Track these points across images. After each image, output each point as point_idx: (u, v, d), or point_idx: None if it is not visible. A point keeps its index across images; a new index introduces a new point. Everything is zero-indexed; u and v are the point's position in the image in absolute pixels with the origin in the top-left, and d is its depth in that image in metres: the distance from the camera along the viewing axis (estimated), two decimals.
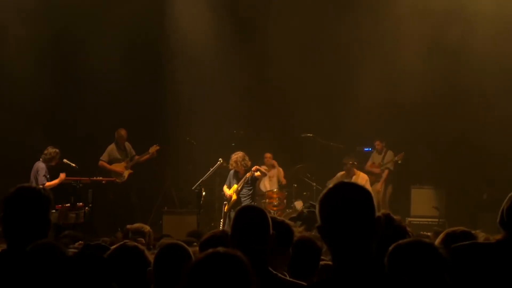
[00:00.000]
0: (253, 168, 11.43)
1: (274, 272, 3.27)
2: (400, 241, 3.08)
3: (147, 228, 6.79)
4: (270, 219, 3.35)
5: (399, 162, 12.77)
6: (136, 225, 6.99)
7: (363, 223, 2.42)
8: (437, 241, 3.79)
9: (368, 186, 11.86)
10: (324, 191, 2.50)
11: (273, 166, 12.90)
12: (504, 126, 12.05)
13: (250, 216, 3.37)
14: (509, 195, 3.62)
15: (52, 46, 13.24)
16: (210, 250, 2.45)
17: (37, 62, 12.92)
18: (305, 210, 9.39)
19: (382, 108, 12.83)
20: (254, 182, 11.65)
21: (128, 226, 7.00)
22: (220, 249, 2.44)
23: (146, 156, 12.70)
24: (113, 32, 13.26)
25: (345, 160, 12.47)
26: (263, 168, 11.68)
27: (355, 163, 12.59)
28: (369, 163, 13.27)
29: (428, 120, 12.88)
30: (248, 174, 11.48)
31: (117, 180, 12.52)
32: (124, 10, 13.03)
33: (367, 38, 12.96)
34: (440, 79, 12.75)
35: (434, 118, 12.80)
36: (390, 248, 3.03)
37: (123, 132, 12.67)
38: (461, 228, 3.91)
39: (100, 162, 12.56)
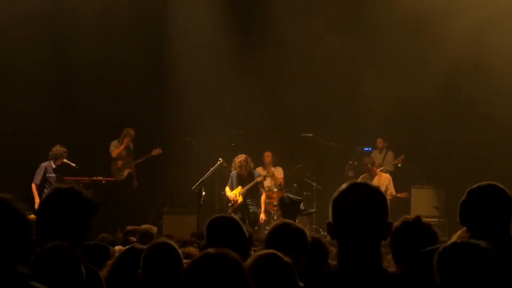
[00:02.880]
0: (259, 178, 11.65)
1: None
2: (456, 242, 3.01)
3: (154, 229, 6.79)
4: (242, 226, 3.36)
5: (399, 165, 12.74)
6: (145, 226, 6.98)
7: (374, 225, 2.41)
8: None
9: (391, 186, 11.95)
10: (339, 189, 2.49)
11: (272, 164, 12.92)
12: (506, 125, 12.04)
13: (223, 226, 3.38)
14: (467, 190, 3.61)
15: (52, 46, 13.23)
16: (203, 252, 2.48)
17: (38, 62, 12.91)
18: (287, 197, 9.51)
19: (382, 108, 12.81)
20: (257, 186, 11.82)
21: (137, 228, 7.00)
22: (212, 250, 2.46)
23: (146, 156, 12.81)
24: (114, 32, 13.26)
25: (365, 161, 12.36)
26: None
27: (374, 162, 12.52)
28: None
29: (428, 119, 12.86)
30: (259, 179, 11.62)
31: (116, 178, 12.56)
32: (125, 11, 13.02)
33: (370, 37, 12.95)
34: (441, 79, 12.74)
35: (434, 118, 12.79)
36: (443, 246, 2.94)
37: (132, 131, 12.72)
38: None
39: (113, 153, 12.63)
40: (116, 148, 12.72)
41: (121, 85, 13.59)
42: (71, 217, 3.28)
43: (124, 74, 13.55)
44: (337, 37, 12.90)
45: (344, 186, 2.49)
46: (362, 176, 12.25)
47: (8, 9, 12.68)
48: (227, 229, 3.34)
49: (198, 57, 13.58)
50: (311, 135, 12.82)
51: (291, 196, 9.70)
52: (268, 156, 12.84)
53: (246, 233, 3.38)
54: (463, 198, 3.61)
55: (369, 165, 12.26)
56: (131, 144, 12.90)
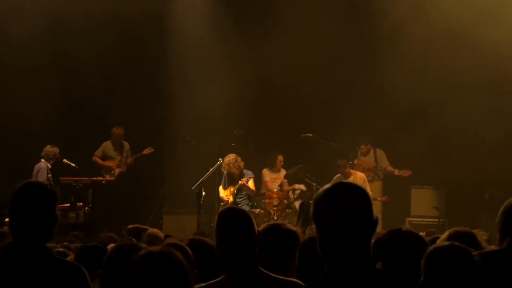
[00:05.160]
0: (244, 180, 11.76)
1: (266, 271, 3.30)
2: (439, 245, 3.11)
3: (161, 234, 6.75)
4: (253, 219, 3.39)
5: (403, 176, 12.70)
6: (154, 230, 6.93)
7: (360, 224, 2.41)
8: (440, 240, 3.78)
9: (366, 185, 11.89)
10: (319, 191, 2.48)
11: (280, 170, 12.92)
12: (507, 125, 12.03)
13: (233, 218, 3.38)
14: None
15: (52, 46, 13.24)
16: (144, 251, 2.50)
17: (38, 62, 12.93)
18: (310, 204, 9.47)
19: (382, 107, 12.81)
20: (246, 186, 11.91)
21: (150, 230, 6.97)
22: (154, 248, 2.48)
23: (137, 155, 12.92)
24: (113, 32, 13.27)
25: (338, 163, 12.43)
26: (251, 184, 11.96)
27: (350, 162, 12.57)
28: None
29: (428, 119, 12.85)
30: (240, 183, 11.77)
31: (107, 177, 12.65)
32: (126, 11, 13.02)
33: (370, 36, 12.94)
34: (440, 78, 12.73)
35: (434, 118, 12.77)
36: (428, 250, 3.05)
37: (119, 130, 12.83)
38: (465, 228, 3.91)
39: (94, 158, 12.80)
40: (101, 152, 12.85)
41: (121, 85, 13.60)
42: (34, 209, 3.29)
43: (124, 74, 13.57)
44: (338, 35, 12.89)
45: (327, 186, 2.49)
46: (336, 176, 12.27)
47: (8, 11, 12.71)
48: (238, 221, 3.35)
49: (198, 56, 13.57)
50: (311, 135, 12.80)
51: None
52: (281, 160, 12.82)
53: (256, 229, 3.40)
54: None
55: (341, 167, 12.31)
56: (125, 144, 12.99)
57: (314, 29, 13.02)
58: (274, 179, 12.66)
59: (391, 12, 12.53)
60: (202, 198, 11.11)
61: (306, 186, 12.52)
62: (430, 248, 3.06)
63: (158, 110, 13.86)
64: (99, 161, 12.84)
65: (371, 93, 13.06)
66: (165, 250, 2.48)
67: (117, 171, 12.82)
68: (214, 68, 13.49)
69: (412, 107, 12.68)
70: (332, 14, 12.94)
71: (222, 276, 3.25)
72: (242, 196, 12.03)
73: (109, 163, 12.84)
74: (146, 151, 12.96)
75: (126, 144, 13.02)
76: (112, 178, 12.64)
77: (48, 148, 11.82)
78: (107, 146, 12.95)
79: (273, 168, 12.85)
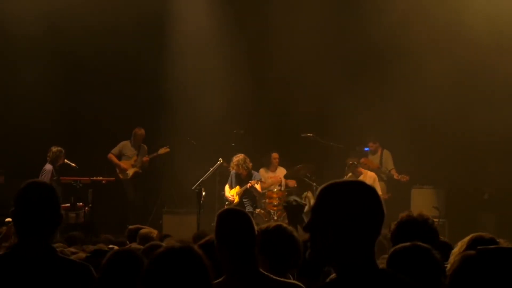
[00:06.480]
0: (253, 182, 11.63)
1: (266, 273, 3.31)
2: (400, 246, 3.12)
3: (155, 232, 6.74)
4: (253, 220, 3.39)
5: (401, 180, 12.66)
6: (146, 230, 6.91)
7: (364, 224, 2.38)
8: (461, 245, 3.76)
9: (376, 185, 11.87)
10: (321, 187, 2.45)
11: (276, 168, 12.90)
12: (507, 126, 12.03)
13: (232, 219, 3.38)
14: None
15: (52, 46, 13.25)
16: (165, 247, 2.53)
17: (38, 63, 12.94)
18: (294, 200, 9.46)
19: (382, 107, 12.80)
20: (254, 188, 11.84)
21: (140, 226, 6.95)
22: (176, 244, 2.50)
23: (153, 155, 12.92)
24: (113, 31, 13.26)
25: (348, 160, 12.40)
26: (258, 187, 11.86)
27: (360, 161, 12.53)
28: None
29: (428, 119, 12.85)
30: (248, 185, 11.67)
31: (121, 176, 12.64)
32: (122, 12, 13.03)
33: (369, 35, 12.93)
34: (440, 78, 12.73)
35: (435, 118, 12.77)
36: (390, 251, 3.07)
37: (141, 131, 12.85)
38: (489, 234, 3.91)
39: (109, 155, 12.74)
40: (118, 150, 12.84)
41: (120, 85, 13.60)
42: (36, 209, 3.30)
43: (124, 74, 13.56)
44: (337, 33, 12.90)
45: (333, 182, 2.46)
46: (348, 176, 12.23)
47: (9, 12, 12.73)
48: (238, 222, 3.35)
49: (198, 56, 13.58)
50: (311, 135, 12.79)
51: (297, 199, 9.61)
52: (276, 158, 12.80)
53: (256, 229, 3.41)
54: None
55: (351, 165, 12.24)
56: (143, 146, 12.99)
57: (314, 29, 13.04)
58: (267, 178, 12.62)
59: (393, 12, 12.53)
60: (202, 198, 11.10)
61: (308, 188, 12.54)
62: (391, 249, 3.10)
63: (158, 110, 13.86)
64: (115, 159, 12.77)
65: (371, 93, 13.05)
66: (185, 246, 2.51)
67: (132, 170, 12.79)
68: (214, 68, 13.49)
69: (412, 107, 12.68)
70: (333, 15, 12.96)
71: (222, 277, 3.26)
72: (247, 198, 11.98)
73: (124, 164, 12.79)
74: (162, 150, 12.92)
75: (144, 147, 13.02)
76: (113, 178, 12.61)
77: (50, 150, 11.81)
78: (126, 145, 12.91)
79: (269, 166, 12.84)
